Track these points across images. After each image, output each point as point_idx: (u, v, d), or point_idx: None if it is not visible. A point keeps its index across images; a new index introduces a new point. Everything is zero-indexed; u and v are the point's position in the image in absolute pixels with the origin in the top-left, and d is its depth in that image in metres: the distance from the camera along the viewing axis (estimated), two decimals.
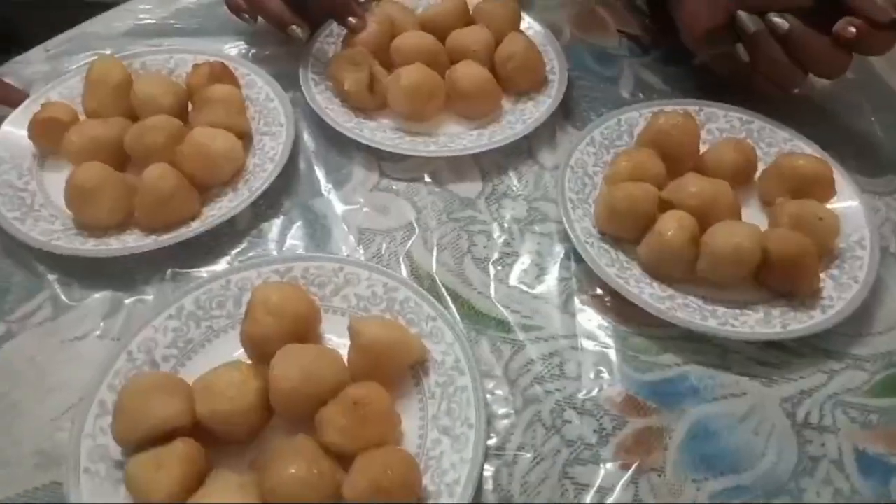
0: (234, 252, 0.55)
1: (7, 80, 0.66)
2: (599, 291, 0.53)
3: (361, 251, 0.56)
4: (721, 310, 0.51)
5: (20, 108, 0.62)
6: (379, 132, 0.62)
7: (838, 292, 0.52)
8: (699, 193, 0.53)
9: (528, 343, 0.50)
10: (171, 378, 0.44)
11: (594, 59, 0.72)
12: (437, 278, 0.54)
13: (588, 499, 0.43)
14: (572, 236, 0.54)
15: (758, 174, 0.59)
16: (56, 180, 0.57)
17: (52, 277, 0.53)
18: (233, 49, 0.71)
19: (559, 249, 0.56)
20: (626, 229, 0.54)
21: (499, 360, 0.49)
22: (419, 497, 0.41)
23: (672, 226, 0.51)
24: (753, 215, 0.57)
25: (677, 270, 0.52)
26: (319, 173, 0.61)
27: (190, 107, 0.61)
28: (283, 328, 0.46)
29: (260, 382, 0.43)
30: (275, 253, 0.56)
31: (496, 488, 0.44)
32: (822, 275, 0.53)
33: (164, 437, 0.41)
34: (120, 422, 0.42)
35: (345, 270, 0.52)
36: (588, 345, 0.50)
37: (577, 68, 0.70)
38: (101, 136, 0.57)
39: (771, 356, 0.50)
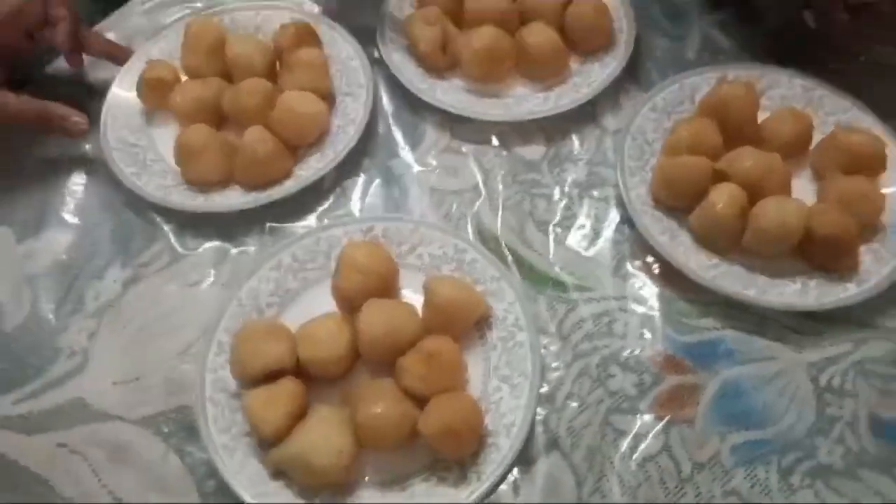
0: (321, 209, 0.63)
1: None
2: (650, 258, 0.59)
3: (433, 211, 0.62)
4: (762, 279, 0.56)
5: (126, 66, 0.69)
6: (451, 93, 0.67)
7: (876, 266, 0.56)
8: (752, 168, 0.57)
9: (581, 303, 0.57)
10: (277, 325, 0.53)
11: (663, 13, 0.74)
12: (501, 239, 0.60)
13: (624, 444, 0.51)
14: (627, 204, 0.59)
15: (813, 144, 0.62)
16: (163, 135, 0.65)
17: (167, 228, 0.62)
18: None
19: (615, 214, 0.62)
20: (679, 199, 0.59)
21: (553, 318, 0.57)
22: (482, 435, 0.50)
23: (723, 199, 0.56)
24: (804, 186, 0.61)
25: (725, 241, 0.57)
26: (396, 134, 0.67)
27: (278, 66, 0.68)
28: (367, 284, 0.54)
29: (350, 332, 0.52)
30: (356, 209, 0.63)
31: (546, 430, 0.52)
32: (862, 248, 0.57)
33: (272, 376, 0.51)
34: (236, 362, 0.51)
35: (420, 231, 0.59)
36: (635, 307, 0.57)
37: (645, 23, 0.72)
38: (202, 97, 0.64)
39: (805, 325, 0.56)
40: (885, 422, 0.52)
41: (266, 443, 0.50)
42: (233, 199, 0.61)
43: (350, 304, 0.54)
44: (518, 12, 0.69)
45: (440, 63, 0.68)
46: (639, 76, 0.69)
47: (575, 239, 0.61)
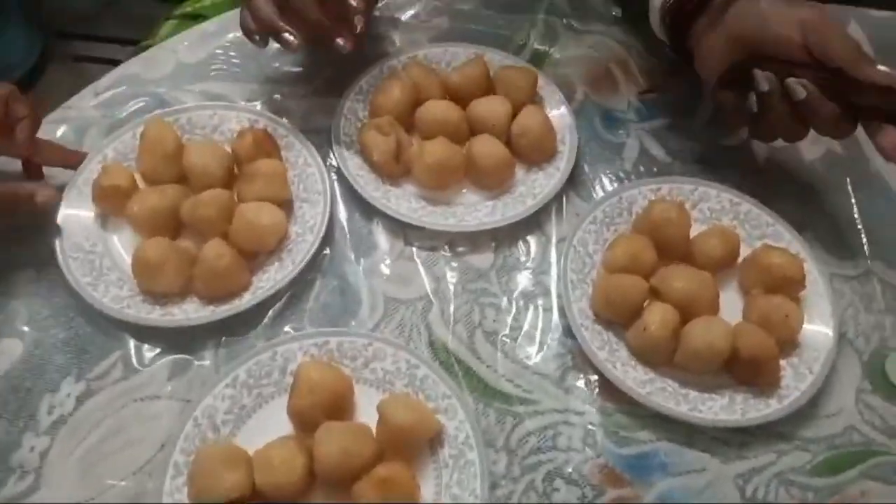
0: (272, 313, 0.65)
1: (61, 127, 0.74)
2: (591, 372, 0.63)
3: (387, 320, 0.65)
4: (693, 393, 0.61)
5: (80, 168, 0.70)
6: (403, 202, 0.70)
7: (795, 381, 0.62)
8: (684, 288, 0.62)
9: (526, 416, 0.61)
10: (233, 450, 0.55)
11: (602, 122, 0.79)
12: (451, 351, 0.64)
13: None
14: (569, 317, 0.64)
15: (741, 258, 0.68)
16: (119, 241, 0.67)
17: (122, 339, 0.63)
18: (268, 94, 0.78)
19: (558, 325, 0.66)
20: (617, 315, 0.64)
21: (501, 432, 0.60)
22: None
23: (656, 320, 0.61)
24: (731, 300, 0.66)
25: (659, 358, 0.62)
26: (350, 240, 0.70)
27: (236, 169, 0.70)
28: (323, 402, 0.57)
29: (305, 457, 0.54)
30: (309, 313, 0.65)
31: None
32: (782, 362, 0.62)
33: (230, 502, 0.52)
34: (194, 489, 0.53)
35: (373, 346, 0.62)
36: (577, 420, 0.61)
37: (585, 131, 0.78)
38: (159, 206, 0.65)
39: (731, 436, 0.60)
40: None
41: None
42: (190, 312, 0.62)
43: (306, 423, 0.56)
44: (467, 123, 0.73)
45: (394, 172, 0.72)
46: (579, 185, 0.74)
47: (522, 350, 0.64)
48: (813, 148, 0.78)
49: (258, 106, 0.77)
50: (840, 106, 0.62)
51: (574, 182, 0.74)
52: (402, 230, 0.70)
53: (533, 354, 0.64)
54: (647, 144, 0.78)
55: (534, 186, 0.72)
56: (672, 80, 0.81)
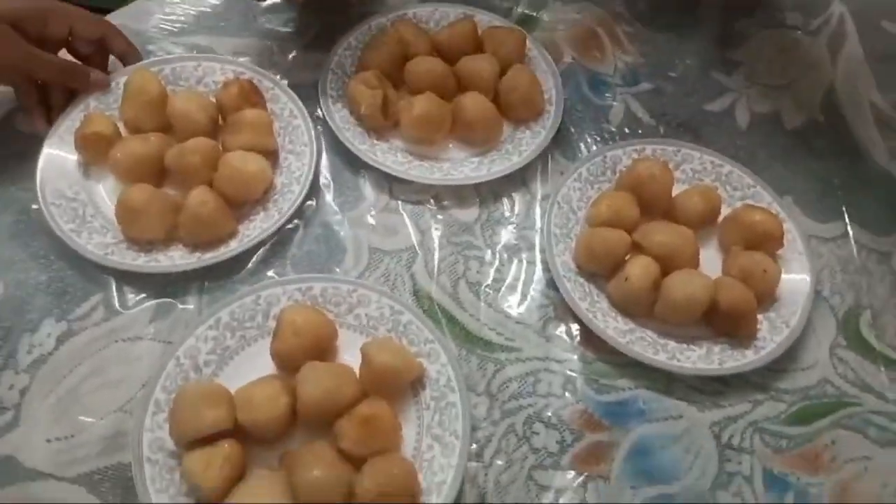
0: (257, 258, 0.65)
1: None
2: (572, 322, 0.64)
3: (371, 269, 0.66)
4: (671, 344, 0.62)
5: (61, 118, 0.69)
6: (390, 155, 0.71)
7: (771, 334, 0.63)
8: (665, 242, 0.64)
9: (508, 363, 0.62)
10: (215, 387, 0.55)
11: (589, 85, 0.81)
12: (435, 300, 0.64)
13: (546, 498, 0.56)
14: (552, 269, 0.65)
15: (721, 217, 0.69)
16: (102, 189, 0.66)
17: (104, 283, 0.63)
18: (256, 49, 0.78)
19: (541, 277, 0.67)
20: (600, 268, 0.65)
21: (483, 378, 0.61)
22: (415, 494, 0.53)
23: (637, 272, 0.62)
24: (711, 257, 0.68)
25: (639, 309, 0.63)
26: (336, 191, 0.70)
27: (220, 121, 0.70)
28: (306, 346, 0.57)
29: (288, 396, 0.54)
30: (292, 260, 0.66)
31: (474, 486, 0.56)
32: (760, 316, 0.64)
33: (211, 438, 0.53)
34: (174, 425, 0.53)
35: (357, 292, 0.62)
36: (557, 367, 0.62)
37: (572, 94, 0.79)
38: (143, 154, 0.65)
39: (708, 385, 0.62)
40: (776, 476, 0.59)
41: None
42: (176, 258, 0.62)
43: (289, 366, 0.57)
44: (455, 80, 0.74)
45: (380, 125, 0.72)
46: (564, 144, 0.75)
47: (504, 300, 0.65)
48: (795, 116, 0.80)
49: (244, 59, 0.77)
50: None
51: (560, 142, 0.75)
52: (388, 183, 0.71)
53: (515, 304, 0.65)
54: (633, 108, 0.79)
55: (520, 144, 0.73)
56: (659, 44, 0.83)
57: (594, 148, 0.75)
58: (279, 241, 0.66)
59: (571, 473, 0.57)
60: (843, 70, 0.85)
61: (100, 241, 0.63)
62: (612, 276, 0.64)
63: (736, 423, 0.61)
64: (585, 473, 0.57)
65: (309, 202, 0.69)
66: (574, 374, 0.62)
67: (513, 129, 0.74)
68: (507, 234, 0.69)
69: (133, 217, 0.62)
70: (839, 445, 0.60)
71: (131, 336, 0.61)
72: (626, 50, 0.83)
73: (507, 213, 0.70)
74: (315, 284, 0.62)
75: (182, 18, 0.81)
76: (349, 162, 0.72)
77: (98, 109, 0.70)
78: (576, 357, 0.63)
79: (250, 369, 0.58)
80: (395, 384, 0.57)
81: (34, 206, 0.65)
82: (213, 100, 0.70)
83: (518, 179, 0.72)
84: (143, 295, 0.63)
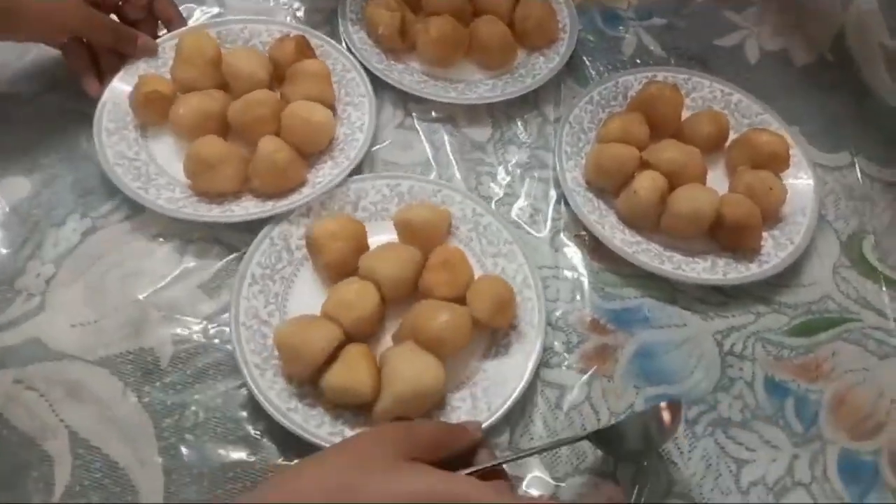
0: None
1: None
2: (582, 232, 0.65)
3: None
4: (677, 256, 0.64)
5: (114, 80, 0.68)
6: (406, 75, 0.72)
7: (775, 250, 0.65)
8: (673, 158, 0.65)
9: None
10: (310, 317, 0.55)
11: (603, 18, 0.82)
12: None
13: (553, 394, 0.58)
14: (563, 184, 0.66)
15: (728, 142, 0.71)
16: (161, 149, 0.66)
17: None
18: None
19: (553, 194, 0.68)
20: (609, 183, 0.66)
21: None
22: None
23: (645, 184, 0.63)
24: (718, 178, 0.69)
25: (646, 222, 0.65)
26: None
27: (275, 78, 0.69)
28: (351, 247, 0.59)
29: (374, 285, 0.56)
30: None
31: None
32: (765, 234, 0.65)
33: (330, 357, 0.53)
34: (293, 364, 0.53)
35: (442, 192, 0.64)
36: (567, 274, 0.64)
37: (586, 26, 0.80)
38: (206, 109, 0.64)
39: (712, 297, 0.63)
40: (777, 383, 0.60)
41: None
42: (251, 208, 0.62)
43: (342, 272, 0.58)
44: (472, 5, 0.75)
45: (398, 46, 0.74)
46: (577, 72, 0.77)
47: (516, 213, 0.67)
48: (804, 54, 0.81)
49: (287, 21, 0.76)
50: None
51: (572, 69, 0.77)
52: (404, 102, 0.72)
53: (528, 218, 0.67)
54: (645, 41, 0.81)
55: (533, 69, 0.74)
56: None
57: (606, 75, 0.76)
58: None
59: (576, 371, 0.59)
60: (855, 15, 0.85)
61: (169, 196, 0.62)
62: (620, 192, 0.66)
63: (739, 332, 0.62)
64: (590, 372, 0.59)
65: None
66: (583, 282, 0.63)
67: (527, 55, 0.76)
68: (519, 154, 0.71)
69: (206, 169, 0.61)
70: (839, 357, 0.62)
71: (154, 234, 0.62)
72: None
73: (519, 134, 0.72)
74: (402, 182, 0.64)
75: None
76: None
77: (148, 71, 0.69)
78: (583, 267, 0.64)
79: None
80: (435, 234, 0.60)
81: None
82: (268, 57, 0.69)
83: (531, 102, 0.74)
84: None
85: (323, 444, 0.51)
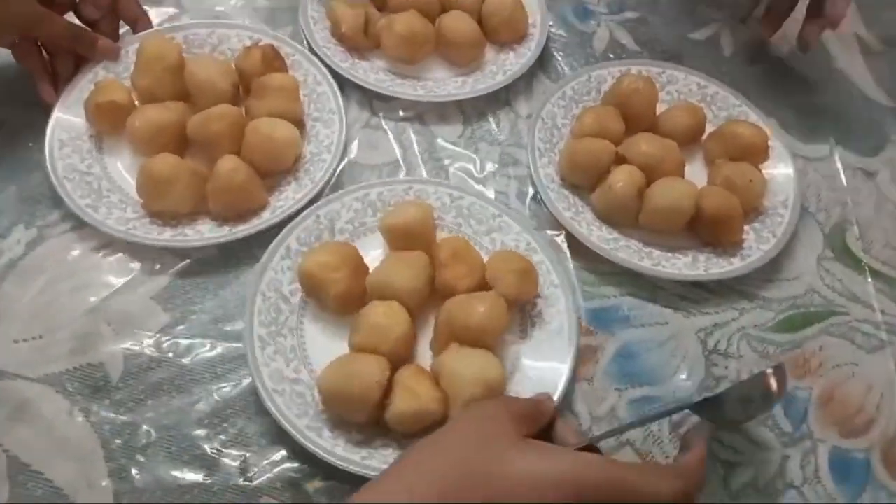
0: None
1: None
2: (557, 231, 0.63)
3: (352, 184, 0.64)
4: (656, 252, 0.61)
5: (69, 87, 0.64)
6: (371, 74, 0.70)
7: (757, 244, 0.62)
8: (649, 152, 0.63)
9: None
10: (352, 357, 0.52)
11: (574, 13, 0.80)
12: None
13: None
14: (536, 181, 0.64)
15: (705, 135, 0.69)
16: (117, 163, 0.62)
17: None
18: None
19: (528, 191, 0.66)
20: (584, 178, 0.64)
21: None
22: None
23: (622, 179, 0.61)
24: (696, 172, 0.67)
25: (623, 218, 0.62)
26: None
27: (241, 90, 0.66)
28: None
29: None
30: None
31: None
32: (746, 227, 0.63)
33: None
34: (344, 409, 0.50)
35: (414, 188, 0.62)
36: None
37: (556, 21, 0.78)
38: (163, 122, 0.60)
39: (693, 293, 0.61)
40: None
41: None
42: (205, 232, 0.58)
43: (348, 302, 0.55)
44: (439, 3, 0.73)
45: (362, 44, 0.71)
46: (549, 67, 0.75)
47: None
48: (779, 46, 0.80)
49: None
50: None
51: (544, 65, 0.75)
52: (370, 101, 0.70)
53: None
54: (617, 35, 0.79)
55: (504, 65, 0.72)
56: None
57: (579, 70, 0.74)
58: None
59: None
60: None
61: (119, 215, 0.58)
62: (595, 188, 0.63)
63: (723, 330, 0.60)
64: None
65: None
66: None
67: (496, 52, 0.74)
68: (491, 151, 0.68)
69: (158, 189, 0.57)
70: (826, 351, 0.60)
71: (99, 245, 0.59)
72: None
73: (491, 131, 0.70)
74: (370, 190, 0.62)
75: None
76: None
77: (107, 77, 0.65)
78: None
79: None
80: (426, 231, 0.58)
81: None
82: (233, 68, 0.66)
83: (502, 99, 0.71)
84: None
85: None
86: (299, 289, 0.56)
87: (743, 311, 0.61)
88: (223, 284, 0.58)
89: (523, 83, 0.72)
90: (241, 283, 0.58)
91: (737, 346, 0.59)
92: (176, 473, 0.49)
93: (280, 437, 0.51)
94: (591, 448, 0.46)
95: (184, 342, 0.55)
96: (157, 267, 0.58)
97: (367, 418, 0.50)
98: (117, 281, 0.57)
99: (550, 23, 0.76)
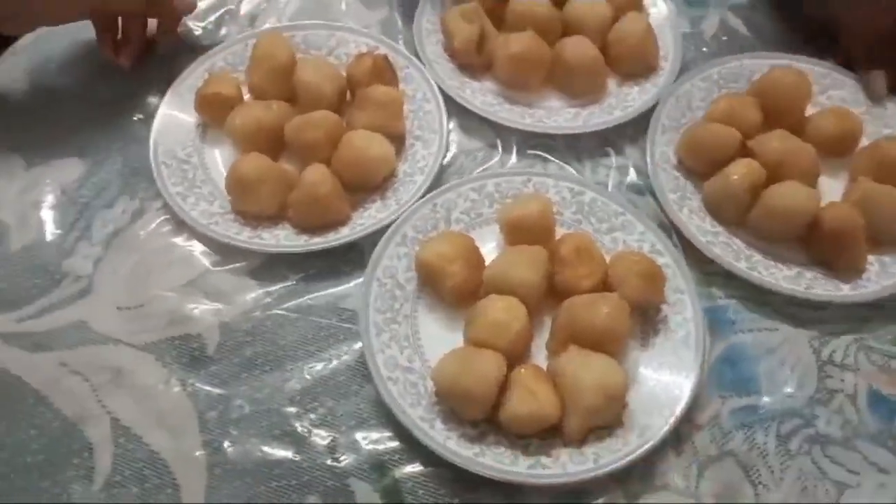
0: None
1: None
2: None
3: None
4: (756, 256, 0.57)
5: (185, 74, 0.66)
6: (480, 95, 0.66)
7: (879, 278, 0.56)
8: (779, 149, 0.58)
9: None
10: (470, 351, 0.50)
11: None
12: None
13: None
14: (649, 157, 0.61)
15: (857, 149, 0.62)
16: (216, 155, 0.63)
17: None
18: None
19: (626, 180, 0.63)
20: (701, 164, 0.61)
21: None
22: None
23: (740, 171, 0.57)
24: (835, 187, 0.61)
25: (732, 212, 0.58)
26: None
27: (349, 95, 0.65)
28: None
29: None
30: None
31: None
32: (872, 257, 0.57)
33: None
34: (461, 405, 0.49)
35: (533, 181, 0.60)
36: None
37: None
38: (263, 122, 0.60)
39: (807, 301, 0.57)
40: (884, 397, 0.53)
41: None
42: (281, 238, 0.58)
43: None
44: (562, 22, 0.68)
45: (474, 62, 0.67)
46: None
47: None
48: None
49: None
50: None
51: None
52: (476, 118, 0.66)
53: None
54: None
55: (625, 99, 0.66)
56: None
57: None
58: None
59: None
60: None
61: (206, 208, 0.59)
62: (710, 176, 0.60)
63: (839, 339, 0.56)
64: None
65: None
66: None
67: (619, 83, 0.68)
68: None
69: (243, 189, 0.58)
70: None
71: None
72: None
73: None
74: (487, 181, 0.61)
75: None
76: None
77: (224, 70, 0.67)
78: None
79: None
80: (548, 226, 0.56)
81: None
82: (344, 73, 0.65)
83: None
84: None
85: (522, 481, 0.48)
86: (415, 277, 0.55)
87: (864, 320, 0.56)
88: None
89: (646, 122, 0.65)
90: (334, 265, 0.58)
91: (854, 357, 0.55)
92: (266, 449, 0.50)
93: (370, 419, 0.51)
94: None
95: (277, 317, 0.55)
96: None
97: (481, 415, 0.49)
98: (214, 256, 0.58)
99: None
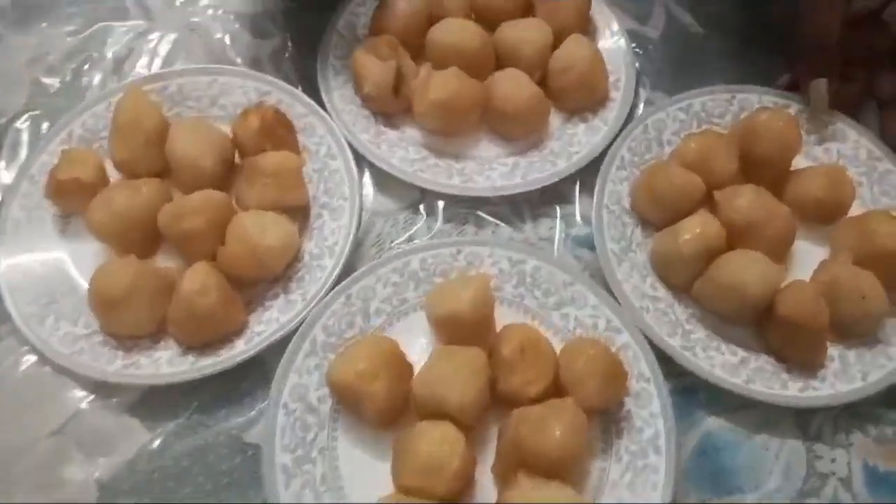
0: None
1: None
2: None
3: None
4: (698, 333, 0.50)
5: (36, 152, 0.56)
6: (399, 149, 0.58)
7: (836, 378, 0.48)
8: (749, 209, 0.50)
9: None
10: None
11: None
12: None
13: None
14: (596, 194, 0.53)
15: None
16: (83, 250, 0.53)
17: None
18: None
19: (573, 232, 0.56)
20: (654, 212, 0.53)
21: None
22: None
23: (693, 230, 0.49)
24: (814, 255, 0.53)
25: (678, 277, 0.51)
26: None
27: (238, 157, 0.56)
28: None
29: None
30: None
31: None
32: (833, 351, 0.49)
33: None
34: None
35: (463, 252, 0.52)
36: None
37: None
38: (129, 211, 0.50)
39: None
40: (882, 475, 0.47)
41: None
42: (163, 364, 0.48)
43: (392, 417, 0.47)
44: (493, 53, 0.59)
45: (392, 107, 0.59)
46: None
47: None
48: None
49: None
50: None
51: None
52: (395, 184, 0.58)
53: None
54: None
55: (570, 142, 0.58)
56: None
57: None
58: None
59: None
60: None
61: (68, 331, 0.49)
62: (664, 227, 0.52)
63: (827, 410, 0.49)
64: None
65: None
66: None
67: (563, 121, 0.60)
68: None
69: (109, 308, 0.48)
70: None
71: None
72: None
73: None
74: (410, 258, 0.52)
75: None
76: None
77: (83, 139, 0.56)
78: None
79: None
80: (486, 314, 0.49)
81: None
82: (230, 130, 0.56)
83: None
84: None
85: None
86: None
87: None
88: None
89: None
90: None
91: (845, 430, 0.49)
92: None
93: None
94: None
95: (166, 469, 0.47)
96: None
97: None
98: (84, 394, 0.49)
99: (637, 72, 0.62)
